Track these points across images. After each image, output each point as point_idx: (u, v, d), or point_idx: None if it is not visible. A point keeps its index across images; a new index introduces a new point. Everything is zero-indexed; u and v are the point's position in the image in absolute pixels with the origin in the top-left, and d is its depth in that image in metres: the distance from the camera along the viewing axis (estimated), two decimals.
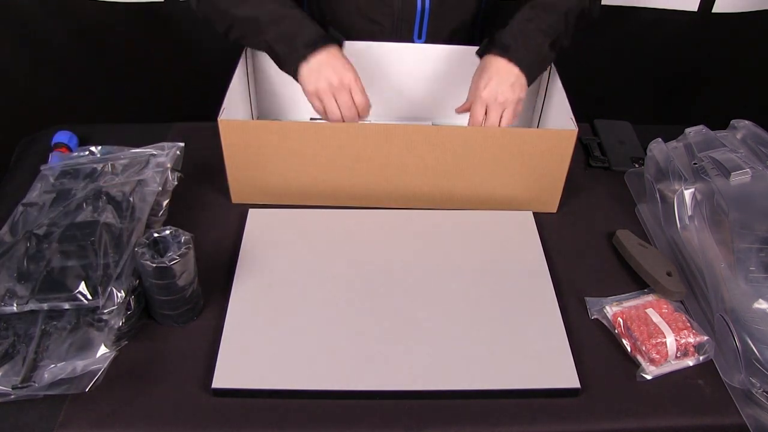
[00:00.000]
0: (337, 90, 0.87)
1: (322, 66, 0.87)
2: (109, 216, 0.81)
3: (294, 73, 0.89)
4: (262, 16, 0.90)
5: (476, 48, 1.02)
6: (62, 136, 1.02)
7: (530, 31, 0.93)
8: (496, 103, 0.90)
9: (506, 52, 0.91)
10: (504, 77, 0.90)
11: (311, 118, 0.92)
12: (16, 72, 1.37)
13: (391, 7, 1.06)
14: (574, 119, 0.89)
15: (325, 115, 0.90)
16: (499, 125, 0.90)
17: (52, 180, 0.89)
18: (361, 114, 0.90)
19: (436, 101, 1.08)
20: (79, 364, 0.68)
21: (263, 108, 1.10)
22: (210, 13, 0.96)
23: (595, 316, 0.80)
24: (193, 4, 0.97)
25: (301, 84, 0.89)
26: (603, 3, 1.37)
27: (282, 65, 0.91)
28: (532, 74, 0.92)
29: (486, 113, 0.90)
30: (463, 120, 1.04)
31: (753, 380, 0.71)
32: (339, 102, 0.88)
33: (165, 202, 0.88)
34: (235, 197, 0.95)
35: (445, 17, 1.10)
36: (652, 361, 0.74)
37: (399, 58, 1.04)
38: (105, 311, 0.71)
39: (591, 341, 0.78)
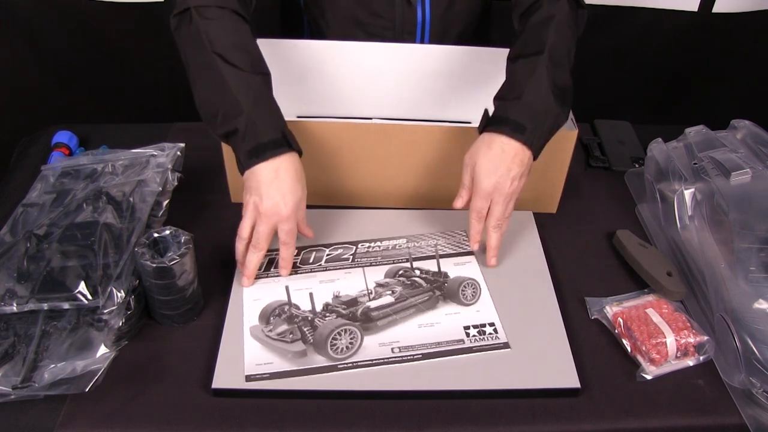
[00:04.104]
0: (262, 216, 0.75)
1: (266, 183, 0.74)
2: (109, 216, 0.81)
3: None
4: (215, 107, 0.76)
5: (477, 48, 1.02)
6: (62, 136, 1.02)
7: (548, 105, 0.77)
8: (503, 195, 0.77)
9: (521, 135, 0.76)
10: (515, 164, 0.76)
11: (298, 116, 0.91)
12: (16, 72, 1.37)
13: (391, 21, 1.05)
14: (574, 119, 0.89)
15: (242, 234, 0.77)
16: (500, 222, 0.79)
17: (52, 180, 0.89)
18: (281, 268, 0.79)
19: (437, 101, 1.08)
20: (79, 364, 0.68)
21: None
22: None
23: (595, 316, 0.80)
24: (172, 25, 0.84)
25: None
26: (603, 3, 1.38)
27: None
28: (538, 155, 0.79)
29: (490, 206, 0.78)
30: (464, 119, 1.04)
31: (753, 380, 0.70)
32: (257, 230, 0.76)
33: (165, 202, 0.88)
34: (235, 197, 0.94)
35: (446, 29, 1.08)
36: (652, 361, 0.74)
37: (400, 57, 1.04)
38: (105, 311, 0.71)
39: (591, 341, 0.78)
